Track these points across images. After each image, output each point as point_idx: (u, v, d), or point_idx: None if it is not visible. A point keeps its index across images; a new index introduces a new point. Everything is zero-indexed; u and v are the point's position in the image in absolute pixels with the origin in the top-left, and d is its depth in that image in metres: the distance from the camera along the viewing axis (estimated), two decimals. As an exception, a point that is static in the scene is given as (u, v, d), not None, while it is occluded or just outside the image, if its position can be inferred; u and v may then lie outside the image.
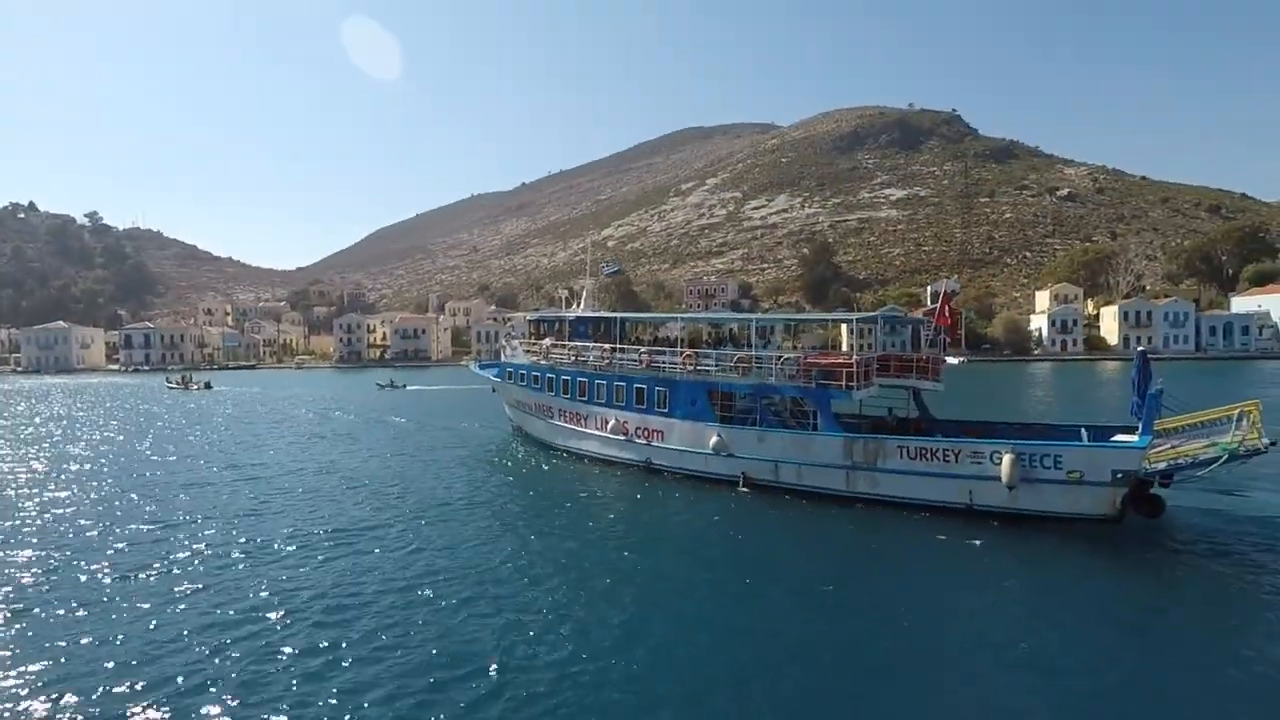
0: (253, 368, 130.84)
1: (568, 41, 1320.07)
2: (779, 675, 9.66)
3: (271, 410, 47.96)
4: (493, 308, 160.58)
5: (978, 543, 15.21)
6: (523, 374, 28.96)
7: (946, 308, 21.55)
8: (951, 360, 25.05)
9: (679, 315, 29.90)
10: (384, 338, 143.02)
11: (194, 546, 15.35)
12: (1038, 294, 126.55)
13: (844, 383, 19.08)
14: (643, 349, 23.95)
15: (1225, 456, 14.54)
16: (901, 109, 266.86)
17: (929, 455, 17.35)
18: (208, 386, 73.37)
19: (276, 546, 15.18)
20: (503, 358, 32.81)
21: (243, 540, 15.74)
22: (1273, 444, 14.85)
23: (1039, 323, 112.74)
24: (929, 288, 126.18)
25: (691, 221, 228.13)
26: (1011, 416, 24.69)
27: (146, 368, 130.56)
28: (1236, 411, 15.32)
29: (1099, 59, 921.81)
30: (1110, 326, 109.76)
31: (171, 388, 73.56)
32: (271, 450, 29.48)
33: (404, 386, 66.86)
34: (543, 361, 27.36)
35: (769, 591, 12.75)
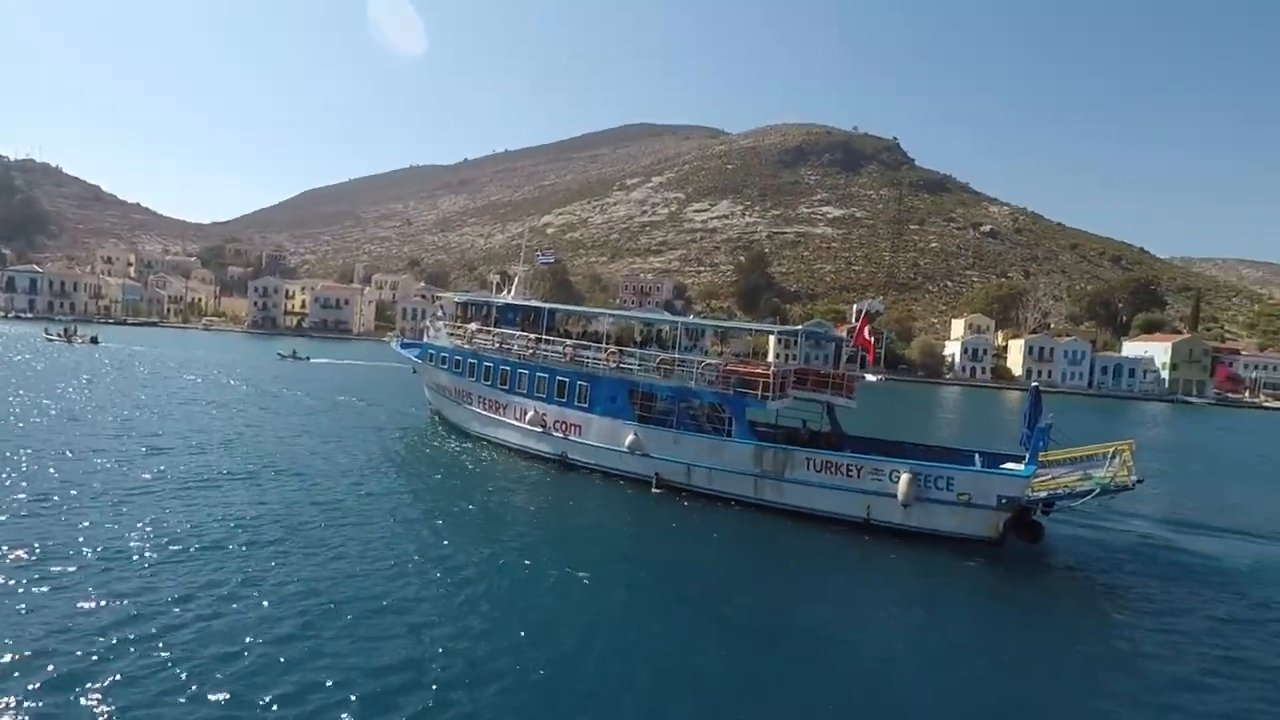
0: (154, 325, 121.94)
1: (525, 21, 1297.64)
2: (666, 687, 9.72)
3: (156, 373, 44.46)
4: (422, 284, 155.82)
5: (873, 557, 15.81)
6: (444, 356, 28.16)
7: (866, 329, 22.27)
8: (870, 378, 26.02)
9: (609, 311, 29.79)
10: (303, 305, 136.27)
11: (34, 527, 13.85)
12: (954, 321, 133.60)
13: (760, 392, 19.43)
14: (568, 342, 23.71)
15: (1097, 490, 15.76)
16: (846, 130, 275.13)
17: (834, 469, 17.92)
18: (94, 341, 67.14)
19: (129, 544, 13.36)
20: (426, 338, 31.81)
21: (97, 531, 14.19)
22: (1140, 481, 16.27)
23: (953, 349, 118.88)
24: (855, 306, 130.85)
25: (633, 217, 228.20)
26: (917, 436, 25.82)
27: (30, 315, 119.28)
28: (1112, 449, 16.54)
29: (1033, 103, 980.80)
30: (1016, 358, 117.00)
31: (51, 340, 66.83)
32: (138, 418, 27.14)
33: (307, 359, 63.29)
34: (466, 345, 26.68)
35: (668, 599, 12.83)
